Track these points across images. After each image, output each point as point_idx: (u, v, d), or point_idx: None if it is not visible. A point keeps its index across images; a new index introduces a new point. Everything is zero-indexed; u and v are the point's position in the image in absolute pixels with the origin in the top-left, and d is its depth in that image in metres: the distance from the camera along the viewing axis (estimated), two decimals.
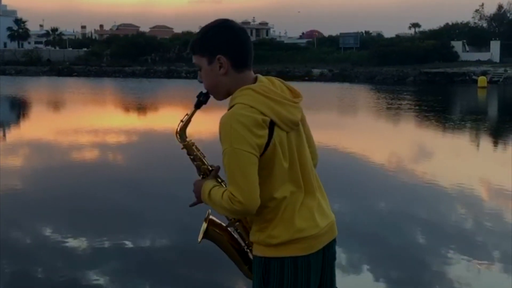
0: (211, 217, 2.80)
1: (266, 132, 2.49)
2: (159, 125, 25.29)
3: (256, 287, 2.62)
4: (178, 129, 2.81)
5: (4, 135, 22.37)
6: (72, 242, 8.59)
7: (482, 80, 45.25)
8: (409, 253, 8.15)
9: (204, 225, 2.80)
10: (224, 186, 2.63)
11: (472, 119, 26.15)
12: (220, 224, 2.80)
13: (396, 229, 9.39)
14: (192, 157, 2.81)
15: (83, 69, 67.19)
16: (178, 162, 15.77)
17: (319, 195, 2.70)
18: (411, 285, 7.00)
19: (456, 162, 15.98)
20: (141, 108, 32.39)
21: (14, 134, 23.07)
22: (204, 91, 2.73)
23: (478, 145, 19.45)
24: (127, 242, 8.60)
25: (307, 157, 2.67)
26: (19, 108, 33.32)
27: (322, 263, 2.65)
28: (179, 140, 2.82)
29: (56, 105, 34.44)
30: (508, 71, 50.33)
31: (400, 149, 17.60)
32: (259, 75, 2.68)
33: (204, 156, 2.80)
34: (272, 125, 2.51)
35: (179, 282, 7.13)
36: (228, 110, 2.57)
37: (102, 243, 8.60)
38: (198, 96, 2.75)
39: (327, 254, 2.67)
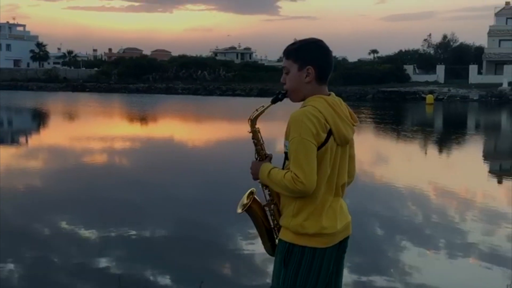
0: (255, 196, 2.78)
1: (325, 135, 2.55)
2: (158, 132, 25.25)
3: (277, 265, 2.62)
4: (252, 117, 2.80)
5: (27, 141, 22.23)
6: (84, 232, 8.56)
7: (429, 98, 45.62)
8: (370, 242, 8.17)
9: (245, 200, 2.77)
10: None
11: (420, 130, 26.34)
12: (260, 203, 2.78)
13: (358, 222, 9.38)
14: (255, 141, 2.79)
15: (94, 85, 66.86)
16: (174, 165, 15.81)
17: (341, 200, 2.74)
18: (372, 269, 7.03)
19: (406, 165, 16.07)
20: (143, 119, 32.27)
21: (35, 139, 22.91)
22: (284, 90, 2.74)
23: (425, 151, 19.58)
24: (132, 232, 8.57)
25: (344, 170, 2.72)
26: (39, 118, 33.09)
27: (335, 256, 2.67)
28: (250, 125, 2.82)
29: (71, 115, 34.23)
30: (451, 91, 50.80)
31: (360, 155, 17.66)
32: (332, 93, 2.71)
33: (263, 143, 2.79)
34: (329, 134, 2.56)
35: (173, 265, 7.09)
36: (301, 108, 2.61)
37: (110, 233, 8.58)
38: (277, 94, 2.76)
39: (340, 249, 2.70)
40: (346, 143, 2.69)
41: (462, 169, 15.91)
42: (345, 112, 2.68)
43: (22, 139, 23.07)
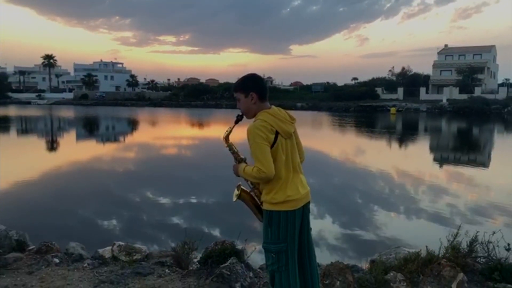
0: (242, 187, 2.76)
1: (273, 136, 2.50)
2: (210, 133, 25.37)
3: (264, 227, 2.60)
4: (225, 136, 2.78)
5: (124, 139, 22.56)
6: (162, 199, 8.63)
7: (393, 110, 44.94)
8: (351, 207, 8.12)
9: (236, 192, 2.74)
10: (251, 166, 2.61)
11: (387, 131, 25.96)
12: (246, 190, 2.76)
13: (343, 194, 9.35)
14: (232, 151, 2.78)
15: (168, 103, 67.34)
16: (221, 156, 15.88)
17: (301, 175, 2.68)
18: (353, 225, 6.96)
19: (377, 155, 15.88)
20: (200, 124, 32.44)
21: (130, 138, 23.21)
22: (240, 113, 2.71)
23: (390, 146, 19.32)
24: (193, 200, 8.62)
25: (295, 154, 2.66)
26: (132, 124, 33.51)
27: (302, 215, 2.62)
28: (225, 141, 2.79)
29: (153, 122, 34.59)
30: (408, 105, 50.01)
31: (345, 148, 17.51)
32: (273, 106, 2.68)
33: (238, 151, 2.77)
34: (277, 134, 2.52)
35: (221, 222, 7.13)
36: (253, 122, 2.58)
37: (179, 200, 8.64)
38: (237, 116, 2.73)
39: (304, 210, 2.65)
40: (290, 136, 2.62)
41: (415, 158, 15.69)
42: (284, 116, 2.62)
43: (121, 138, 23.41)
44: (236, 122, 2.73)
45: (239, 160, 2.73)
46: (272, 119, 2.55)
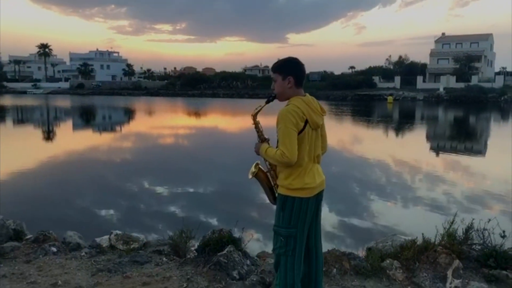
0: (260, 166, 2.77)
1: (303, 123, 2.51)
2: (206, 122, 25.32)
3: (277, 211, 2.61)
4: (253, 113, 2.76)
5: (121, 129, 22.50)
6: (159, 189, 8.63)
7: (390, 99, 44.98)
8: (348, 196, 8.14)
9: (253, 169, 2.75)
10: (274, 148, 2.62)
11: (384, 120, 26.00)
12: (263, 170, 2.77)
13: (341, 182, 9.36)
14: (257, 129, 2.77)
15: (165, 92, 67.09)
16: (218, 143, 15.86)
17: (318, 165, 2.70)
18: (350, 214, 6.99)
19: (374, 144, 15.91)
20: (197, 114, 32.36)
21: (126, 127, 23.13)
22: (273, 94, 2.70)
23: (387, 134, 19.35)
24: (190, 189, 8.63)
25: (318, 146, 2.68)
26: (129, 113, 33.39)
27: (316, 203, 2.65)
28: (252, 119, 2.77)
29: (149, 111, 34.47)
30: (405, 93, 50.06)
31: (343, 136, 17.52)
32: (307, 94, 2.67)
33: (262, 130, 2.76)
34: (306, 122, 2.53)
35: (218, 211, 7.15)
36: (285, 106, 2.56)
37: (176, 190, 8.65)
38: (269, 96, 2.71)
39: (318, 198, 2.68)
40: (318, 127, 2.64)
41: (412, 146, 15.72)
42: (316, 106, 2.63)
43: (118, 128, 23.32)
44: (267, 102, 2.70)
45: (262, 139, 2.73)
46: (305, 107, 2.55)
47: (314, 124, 2.59)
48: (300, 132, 2.51)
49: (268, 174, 2.76)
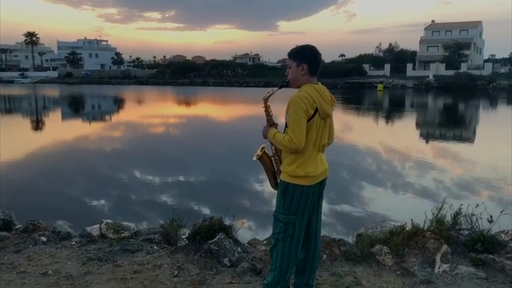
0: (265, 150, 2.76)
1: (313, 111, 2.51)
2: (197, 111, 25.20)
3: (278, 197, 2.62)
4: (265, 97, 2.73)
5: (111, 118, 22.31)
6: (150, 178, 8.60)
7: (380, 86, 45.15)
8: (340, 184, 8.18)
9: (259, 152, 2.74)
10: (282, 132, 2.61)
11: (374, 108, 26.10)
12: (268, 154, 2.77)
13: (332, 170, 9.37)
14: (267, 113, 2.75)
15: (154, 81, 66.52)
16: (209, 132, 15.81)
17: (322, 154, 2.70)
18: (340, 201, 7.03)
19: (364, 131, 15.98)
20: (187, 102, 32.18)
21: (116, 117, 22.94)
22: (286, 80, 2.68)
23: (377, 122, 19.45)
24: (181, 178, 8.62)
25: (325, 136, 2.68)
26: (118, 102, 33.10)
27: (318, 191, 2.65)
28: (264, 102, 2.75)
29: (139, 100, 34.20)
30: (395, 81, 50.21)
31: (334, 124, 17.51)
32: (319, 83, 2.66)
33: (272, 115, 2.75)
34: (316, 110, 2.53)
35: (209, 200, 7.15)
36: (297, 93, 2.55)
37: (167, 179, 8.62)
38: (283, 82, 2.70)
39: (321, 186, 2.69)
40: (327, 117, 2.65)
41: (402, 134, 15.83)
42: (327, 96, 2.64)
43: (107, 117, 23.13)
44: (280, 87, 2.70)
45: (271, 123, 2.72)
46: (317, 95, 2.55)
47: (324, 113, 2.58)
48: (309, 120, 2.50)
49: (273, 158, 2.75)
